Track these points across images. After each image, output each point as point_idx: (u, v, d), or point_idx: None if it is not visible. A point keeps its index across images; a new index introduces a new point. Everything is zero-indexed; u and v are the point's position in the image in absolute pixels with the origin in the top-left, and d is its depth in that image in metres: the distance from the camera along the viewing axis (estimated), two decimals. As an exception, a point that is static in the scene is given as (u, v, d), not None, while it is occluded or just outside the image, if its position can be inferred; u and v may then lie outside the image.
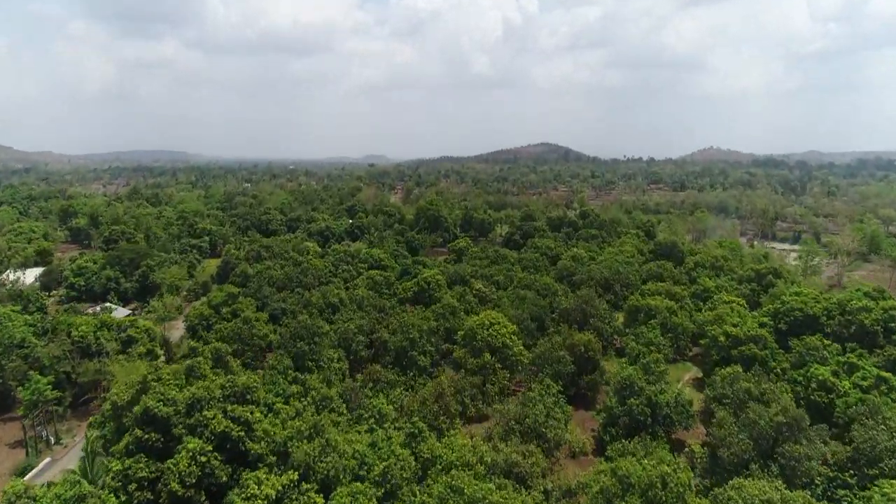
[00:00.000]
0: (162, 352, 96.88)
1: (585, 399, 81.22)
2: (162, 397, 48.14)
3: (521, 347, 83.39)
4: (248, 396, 50.64)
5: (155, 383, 55.56)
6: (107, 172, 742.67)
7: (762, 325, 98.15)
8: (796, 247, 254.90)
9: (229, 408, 48.35)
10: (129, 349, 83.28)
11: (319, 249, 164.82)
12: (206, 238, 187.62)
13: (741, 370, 75.48)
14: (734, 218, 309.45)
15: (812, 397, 70.36)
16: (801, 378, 74.84)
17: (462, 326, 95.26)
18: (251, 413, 48.05)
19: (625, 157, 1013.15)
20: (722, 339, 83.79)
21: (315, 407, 55.03)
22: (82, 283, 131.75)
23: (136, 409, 48.25)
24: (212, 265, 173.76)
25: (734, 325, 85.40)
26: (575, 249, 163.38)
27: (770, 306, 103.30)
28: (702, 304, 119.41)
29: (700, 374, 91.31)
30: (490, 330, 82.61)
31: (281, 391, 55.19)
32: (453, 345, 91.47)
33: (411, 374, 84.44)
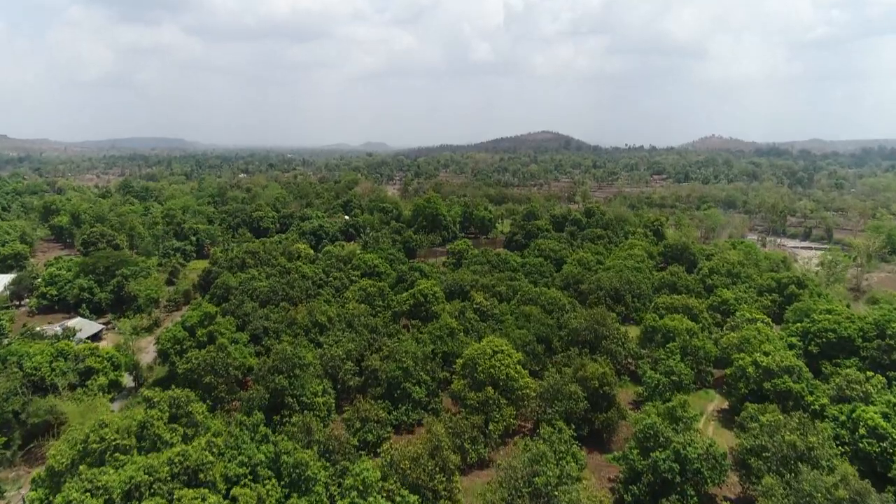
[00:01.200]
0: (131, 377, 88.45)
1: (600, 439, 72.50)
2: (90, 485, 39.53)
3: (528, 379, 74.56)
4: (202, 475, 42.05)
5: (96, 445, 46.88)
6: (101, 162, 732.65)
7: (791, 347, 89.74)
8: (808, 243, 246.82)
9: (176, 494, 39.71)
10: (89, 381, 74.56)
11: (311, 252, 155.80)
12: (194, 238, 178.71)
13: (776, 409, 67.00)
14: (742, 212, 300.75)
15: (861, 445, 61.64)
16: (844, 418, 66.13)
17: (462, 350, 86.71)
18: (203, 500, 39.41)
19: (626, 145, 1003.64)
20: (751, 370, 74.99)
21: (288, 478, 46.27)
22: (55, 293, 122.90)
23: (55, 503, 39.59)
24: (199, 267, 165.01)
25: (765, 354, 76.48)
26: (581, 252, 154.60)
27: (798, 325, 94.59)
28: (719, 316, 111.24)
29: (725, 405, 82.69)
30: (493, 360, 73.77)
31: (246, 459, 46.66)
32: (452, 371, 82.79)
33: (404, 407, 75.92)
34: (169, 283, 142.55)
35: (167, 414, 52.54)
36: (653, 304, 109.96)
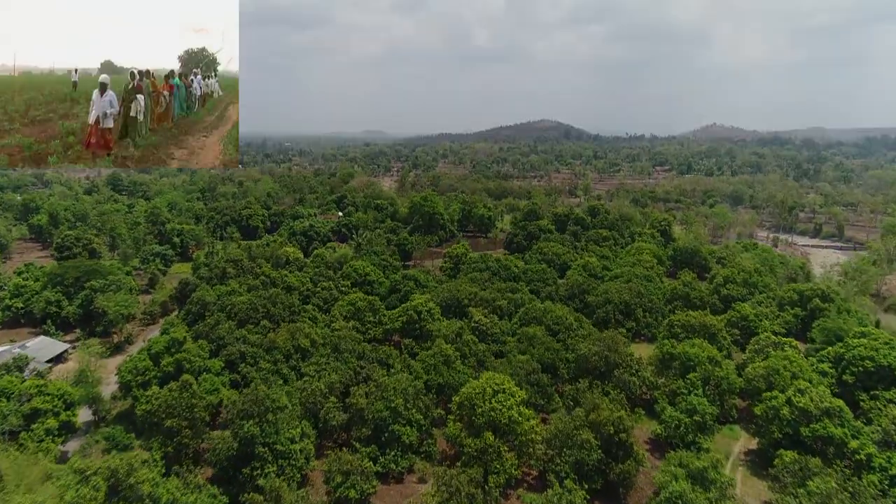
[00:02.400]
0: (91, 410, 79.75)
1: (615, 493, 63.71)
2: None
3: (534, 422, 65.84)
4: None
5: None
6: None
7: (822, 374, 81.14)
8: (819, 241, 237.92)
9: None
10: (35, 425, 65.74)
11: (301, 256, 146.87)
12: (178, 239, 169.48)
13: (819, 463, 58.46)
14: (748, 207, 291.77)
15: (921, 511, 53.09)
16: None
17: (459, 380, 78.13)
18: None
19: (626, 134, 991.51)
20: (786, 411, 66.29)
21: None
22: (21, 305, 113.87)
23: None
24: (183, 270, 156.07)
25: (800, 392, 67.70)
26: (586, 257, 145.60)
27: (830, 350, 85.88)
28: (738, 332, 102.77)
29: (753, 443, 74.08)
30: (493, 401, 65.01)
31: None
32: (448, 403, 73.97)
33: (392, 453, 67.27)
34: (147, 291, 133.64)
35: (103, 492, 43.80)
36: (666, 320, 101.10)
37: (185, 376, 69.45)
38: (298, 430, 65.39)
